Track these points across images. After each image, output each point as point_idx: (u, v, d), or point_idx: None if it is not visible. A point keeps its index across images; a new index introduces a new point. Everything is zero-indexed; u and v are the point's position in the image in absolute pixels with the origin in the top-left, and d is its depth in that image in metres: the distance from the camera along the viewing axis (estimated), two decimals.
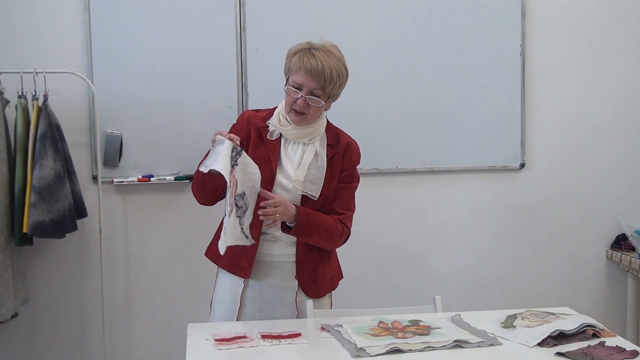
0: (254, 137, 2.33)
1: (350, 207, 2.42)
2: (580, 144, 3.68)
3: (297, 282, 2.37)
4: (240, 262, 2.34)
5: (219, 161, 2.08)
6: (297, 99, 2.24)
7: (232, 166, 2.10)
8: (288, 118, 2.31)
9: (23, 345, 3.33)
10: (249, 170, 2.16)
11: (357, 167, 2.40)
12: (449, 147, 3.54)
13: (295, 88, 2.24)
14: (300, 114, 2.26)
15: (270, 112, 2.39)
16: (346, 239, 2.39)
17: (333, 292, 2.51)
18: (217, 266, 2.45)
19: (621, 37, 3.65)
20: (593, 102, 3.66)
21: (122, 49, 3.24)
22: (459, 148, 3.55)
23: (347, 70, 2.30)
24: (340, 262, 2.54)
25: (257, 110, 2.43)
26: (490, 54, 3.53)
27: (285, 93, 2.29)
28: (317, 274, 2.38)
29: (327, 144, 2.36)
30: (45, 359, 3.36)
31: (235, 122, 2.41)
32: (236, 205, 2.12)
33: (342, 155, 2.38)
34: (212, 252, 2.42)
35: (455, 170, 3.58)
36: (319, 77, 2.22)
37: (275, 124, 2.33)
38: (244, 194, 2.14)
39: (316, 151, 2.33)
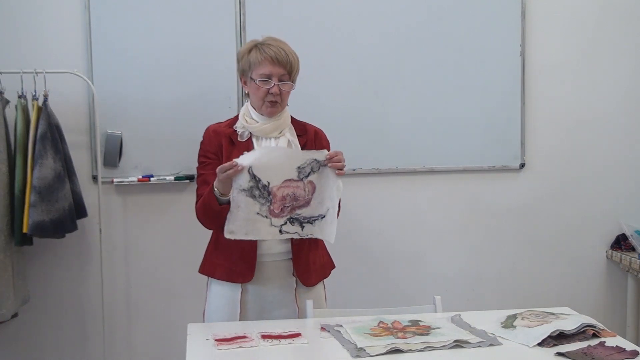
0: (225, 144, 2.38)
1: None
2: (580, 144, 3.68)
3: (295, 278, 2.39)
4: (237, 267, 2.36)
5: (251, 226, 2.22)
6: (270, 88, 2.31)
7: (255, 195, 2.20)
8: (255, 116, 2.37)
9: (23, 345, 3.33)
10: (268, 162, 2.21)
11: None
12: (449, 147, 3.53)
13: (264, 80, 2.31)
14: (274, 103, 2.33)
15: (232, 120, 2.46)
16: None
17: (331, 290, 2.54)
18: (207, 279, 2.47)
19: (621, 37, 3.64)
20: (593, 102, 3.66)
21: (122, 49, 3.24)
22: (459, 148, 3.54)
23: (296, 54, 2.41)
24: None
25: (219, 123, 2.48)
26: (490, 54, 3.53)
27: (254, 90, 2.34)
28: (309, 261, 2.42)
29: (297, 135, 2.42)
30: (45, 359, 3.36)
31: (202, 139, 2.45)
32: (254, 195, 2.21)
33: (313, 142, 2.45)
34: (206, 267, 2.45)
35: (455, 170, 3.58)
36: (284, 63, 2.32)
37: (244, 125, 2.37)
38: (268, 184, 2.21)
39: (288, 140, 2.39)
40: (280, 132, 2.38)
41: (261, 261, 2.36)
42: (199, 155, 2.44)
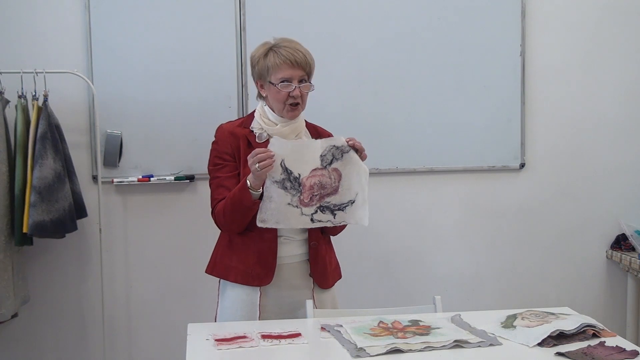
0: (243, 146, 2.35)
1: None
2: (580, 144, 3.68)
3: (312, 279, 2.40)
4: (254, 271, 2.33)
5: (282, 214, 2.23)
6: (291, 91, 2.29)
7: (286, 187, 2.23)
8: (273, 118, 2.34)
9: (23, 345, 3.33)
10: (298, 154, 2.24)
11: None
12: (449, 147, 3.54)
13: (285, 83, 2.29)
14: (296, 105, 2.31)
15: (245, 120, 2.43)
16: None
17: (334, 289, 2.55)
18: (219, 281, 2.44)
19: (621, 37, 3.64)
20: (593, 102, 3.66)
21: (122, 49, 3.24)
22: (459, 148, 3.54)
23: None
24: (341, 262, 2.57)
25: (230, 122, 2.46)
26: (490, 54, 3.53)
27: (274, 94, 2.31)
28: (326, 264, 2.43)
29: (312, 137, 2.41)
30: (45, 359, 3.36)
31: (214, 140, 2.40)
32: (285, 187, 2.24)
33: None
34: (218, 269, 2.41)
35: (455, 170, 3.58)
36: (304, 65, 2.30)
37: (262, 126, 2.35)
38: (299, 175, 2.24)
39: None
40: (297, 135, 2.37)
41: (279, 264, 2.35)
42: (213, 157, 2.39)
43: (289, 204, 2.24)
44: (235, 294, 2.37)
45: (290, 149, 2.22)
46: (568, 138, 3.66)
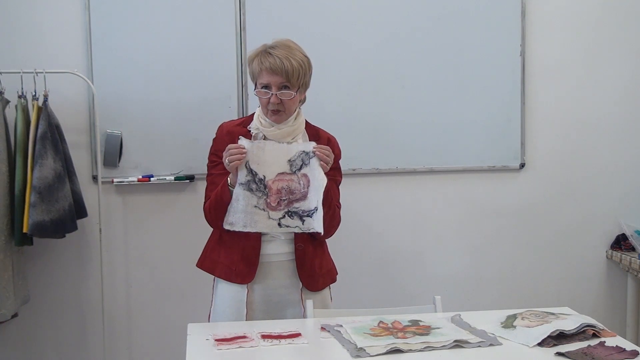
0: None
1: (339, 200, 2.47)
2: (580, 144, 3.68)
3: (299, 278, 2.39)
4: (237, 268, 2.36)
5: (249, 217, 2.25)
6: (269, 98, 2.30)
7: (252, 188, 2.25)
8: (268, 120, 2.36)
9: (23, 345, 3.33)
10: (262, 156, 2.26)
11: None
12: (449, 147, 3.53)
13: (265, 89, 2.31)
14: (277, 111, 2.32)
15: (247, 119, 2.46)
16: (338, 226, 2.45)
17: (334, 289, 2.54)
18: (213, 277, 2.47)
19: (621, 37, 3.64)
20: (593, 102, 3.66)
21: (122, 49, 3.24)
22: (459, 148, 3.54)
23: (307, 58, 2.37)
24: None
25: (232, 121, 2.50)
26: (490, 54, 3.52)
27: (258, 98, 2.35)
28: (314, 267, 2.42)
29: (309, 141, 2.40)
30: (45, 359, 3.36)
31: (214, 137, 2.45)
32: (251, 189, 2.26)
33: None
34: (206, 263, 2.46)
35: (455, 170, 3.58)
36: (281, 72, 2.28)
37: (258, 126, 2.37)
38: (264, 177, 2.26)
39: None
40: (294, 138, 2.36)
41: (264, 262, 2.37)
42: (210, 153, 2.44)
43: (255, 206, 2.26)
44: (224, 292, 2.40)
45: (251, 150, 2.24)
46: (568, 138, 3.66)
